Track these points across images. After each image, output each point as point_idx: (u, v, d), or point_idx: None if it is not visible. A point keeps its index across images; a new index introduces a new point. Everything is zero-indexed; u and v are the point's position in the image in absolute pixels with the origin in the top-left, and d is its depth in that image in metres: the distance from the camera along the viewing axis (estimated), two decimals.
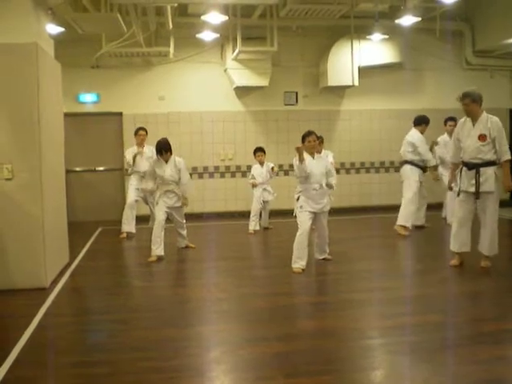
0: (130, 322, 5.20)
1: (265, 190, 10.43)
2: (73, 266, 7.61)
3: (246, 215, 11.90)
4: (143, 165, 10.11)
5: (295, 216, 7.29)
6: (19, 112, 6.27)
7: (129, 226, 10.03)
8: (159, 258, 7.94)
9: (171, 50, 11.31)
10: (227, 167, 12.68)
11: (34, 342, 4.64)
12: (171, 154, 8.30)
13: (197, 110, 12.39)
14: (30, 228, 6.31)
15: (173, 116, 12.30)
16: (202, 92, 12.41)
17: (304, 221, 7.15)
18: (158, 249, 7.98)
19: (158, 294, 6.37)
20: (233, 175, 12.70)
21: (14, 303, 5.83)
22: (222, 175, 12.65)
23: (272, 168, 10.31)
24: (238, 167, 12.69)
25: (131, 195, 10.15)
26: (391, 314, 5.38)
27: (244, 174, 12.63)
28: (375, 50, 12.47)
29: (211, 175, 12.58)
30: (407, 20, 10.80)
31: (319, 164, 7.29)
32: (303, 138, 7.28)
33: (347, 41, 12.31)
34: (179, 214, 8.49)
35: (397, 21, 10.92)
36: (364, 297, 6.01)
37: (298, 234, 7.13)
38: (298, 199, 7.28)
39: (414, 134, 10.06)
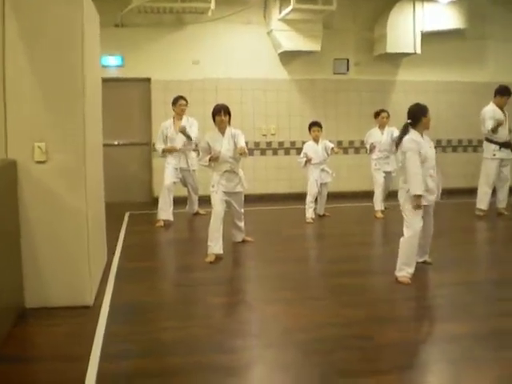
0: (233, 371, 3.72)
1: (322, 170, 8.96)
2: (113, 268, 6.07)
3: (289, 198, 10.57)
4: (180, 140, 8.65)
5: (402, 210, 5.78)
6: (58, 74, 4.70)
7: (166, 212, 8.52)
8: (217, 257, 6.48)
9: (212, 5, 9.67)
10: (269, 143, 11.16)
11: None
12: (229, 123, 6.83)
13: (236, 77, 10.83)
14: (71, 225, 4.78)
15: (209, 83, 10.72)
16: (241, 56, 10.83)
17: (416, 220, 5.64)
18: (216, 246, 6.50)
19: (245, 317, 4.85)
20: (275, 153, 11.19)
21: (55, 333, 4.30)
22: (263, 152, 11.14)
23: (332, 148, 8.84)
24: (281, 144, 11.19)
25: (169, 176, 8.61)
26: None
27: (287, 152, 11.17)
28: (439, 13, 10.92)
29: (251, 152, 10.97)
30: None
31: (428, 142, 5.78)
32: (423, 113, 5.73)
33: (408, 2, 10.77)
34: (239, 202, 6.99)
35: None
36: None
37: (407, 234, 5.61)
38: (408, 190, 5.72)
39: (486, 106, 9.22)
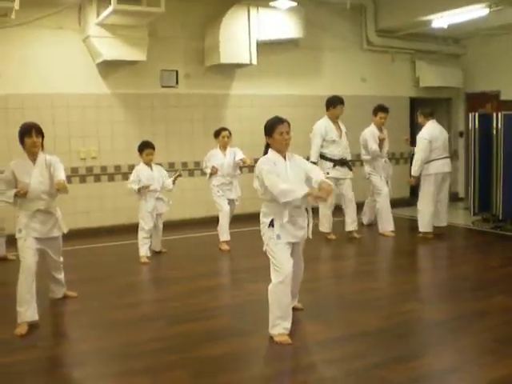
0: None
1: (158, 199, 7.57)
2: None
3: (115, 231, 9.12)
4: None
5: (265, 251, 4.60)
6: None
7: None
8: (31, 326, 4.85)
9: (16, 5, 7.86)
10: (89, 169, 9.51)
11: None
12: (43, 147, 5.27)
13: (46, 92, 9.06)
14: None
15: (13, 100, 8.86)
16: (52, 68, 9.08)
17: (285, 259, 4.50)
18: (28, 311, 4.88)
19: None
20: (97, 179, 9.57)
21: None
22: (83, 179, 9.46)
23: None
24: (104, 168, 9.60)
25: None
26: None
27: (111, 177, 9.64)
28: (276, 22, 10.02)
29: (68, 180, 9.22)
30: None
31: (295, 168, 4.65)
32: (272, 129, 4.60)
33: (242, 9, 9.75)
34: (56, 249, 5.43)
35: None
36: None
37: (275, 280, 4.49)
38: (270, 225, 4.55)
39: (319, 121, 8.55)
